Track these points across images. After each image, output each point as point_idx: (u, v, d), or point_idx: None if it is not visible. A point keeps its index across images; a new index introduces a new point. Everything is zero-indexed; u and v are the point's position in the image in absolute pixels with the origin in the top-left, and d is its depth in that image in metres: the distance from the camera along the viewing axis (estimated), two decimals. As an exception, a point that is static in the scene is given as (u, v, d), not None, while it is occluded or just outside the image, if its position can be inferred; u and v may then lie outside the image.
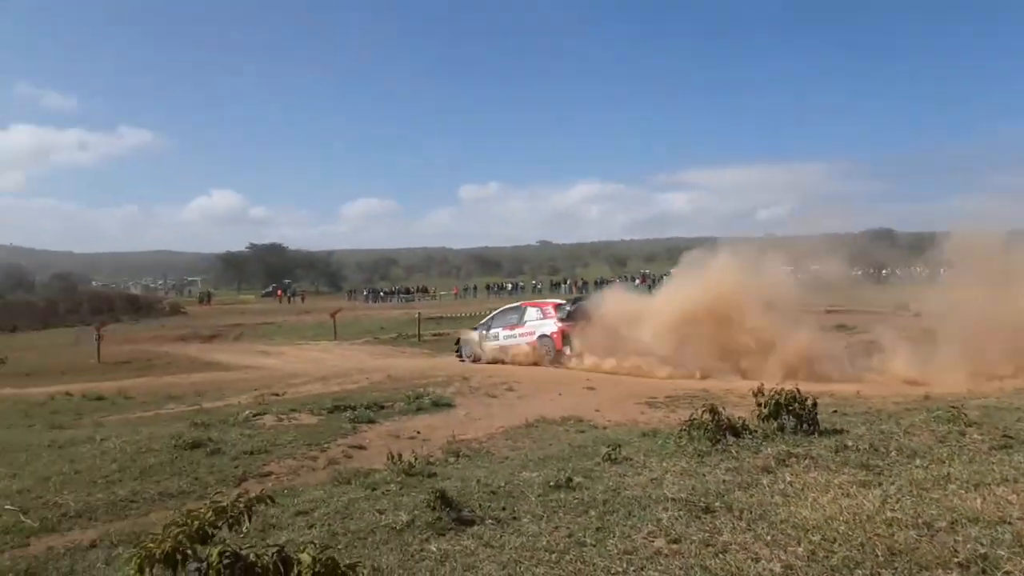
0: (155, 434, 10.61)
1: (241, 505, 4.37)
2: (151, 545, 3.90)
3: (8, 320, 53.13)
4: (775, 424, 9.17)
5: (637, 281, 62.41)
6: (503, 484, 7.30)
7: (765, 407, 9.40)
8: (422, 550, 5.50)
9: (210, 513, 4.20)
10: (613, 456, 8.18)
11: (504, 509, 6.46)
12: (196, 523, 4.10)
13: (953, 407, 9.69)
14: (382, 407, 13.51)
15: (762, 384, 9.66)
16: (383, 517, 6.36)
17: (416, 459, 8.31)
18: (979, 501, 5.87)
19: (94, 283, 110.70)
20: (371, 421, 12.08)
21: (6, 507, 7.25)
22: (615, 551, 5.26)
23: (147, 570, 3.97)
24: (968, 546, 4.89)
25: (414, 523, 6.08)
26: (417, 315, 35.90)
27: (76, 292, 73.36)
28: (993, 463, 7.06)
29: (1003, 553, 4.75)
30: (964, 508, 5.70)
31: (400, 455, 8.30)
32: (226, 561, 4.07)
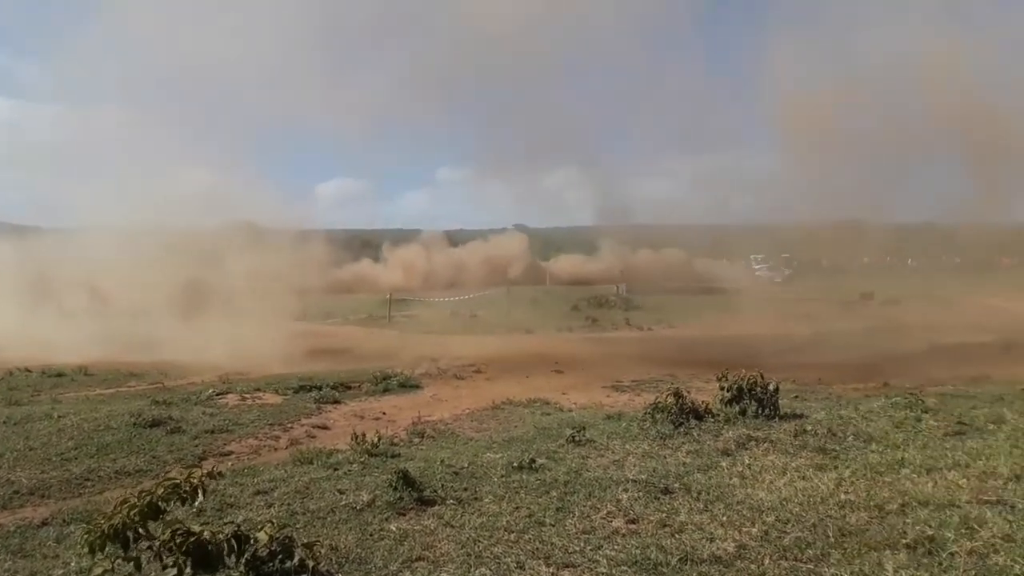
0: (114, 412, 10.44)
1: (194, 481, 4.32)
2: (100, 522, 3.85)
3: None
4: (737, 408, 9.29)
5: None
6: (466, 465, 7.31)
7: (728, 391, 9.52)
8: (382, 529, 5.50)
9: (162, 490, 4.15)
10: (577, 438, 8.22)
11: (466, 490, 6.48)
12: (147, 499, 4.06)
13: (911, 394, 9.90)
14: (348, 387, 13.46)
15: (727, 369, 9.76)
16: (344, 497, 6.34)
17: (380, 439, 8.29)
18: (930, 485, 6.01)
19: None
20: (336, 401, 12.02)
21: (-44, 484, 7.10)
22: (573, 530, 5.30)
23: (98, 549, 3.92)
24: (917, 528, 5.01)
25: (375, 503, 6.07)
26: (388, 296, 35.60)
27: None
28: (946, 448, 7.21)
29: (950, 535, 4.86)
30: (915, 492, 5.83)
31: (364, 435, 8.27)
32: (179, 539, 4.04)
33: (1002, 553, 4.57)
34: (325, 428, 10.15)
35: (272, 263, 24.26)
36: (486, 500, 6.14)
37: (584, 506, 5.87)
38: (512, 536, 5.24)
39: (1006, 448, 7.11)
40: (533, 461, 7.20)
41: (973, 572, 4.28)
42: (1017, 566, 4.38)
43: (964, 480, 6.10)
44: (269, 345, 18.99)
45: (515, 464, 7.14)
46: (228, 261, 23.55)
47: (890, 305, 29.71)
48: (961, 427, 8.13)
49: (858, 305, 30.30)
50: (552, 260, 53.52)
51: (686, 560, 4.60)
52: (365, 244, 56.08)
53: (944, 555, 4.59)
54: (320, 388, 12.89)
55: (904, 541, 4.80)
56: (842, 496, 5.77)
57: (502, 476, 6.85)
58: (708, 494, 6.02)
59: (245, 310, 21.35)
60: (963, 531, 4.94)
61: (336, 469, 7.43)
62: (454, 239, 57.59)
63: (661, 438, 8.20)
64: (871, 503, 5.58)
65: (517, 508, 5.88)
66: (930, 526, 5.05)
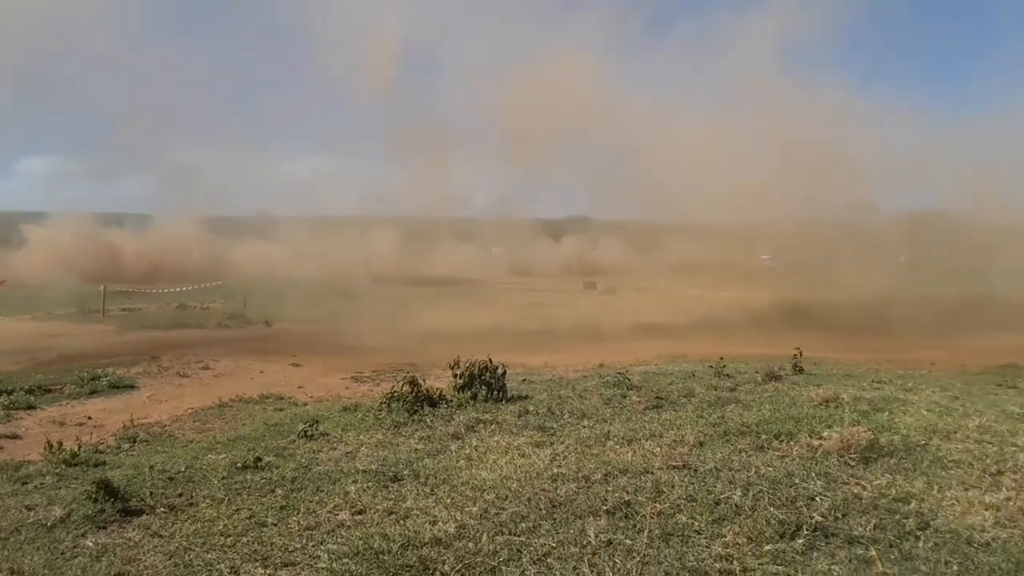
0: None
1: None
2: None
3: None
4: (469, 393, 9.64)
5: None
6: (183, 469, 6.81)
7: (460, 378, 9.84)
8: (76, 546, 4.93)
9: None
10: (309, 432, 8.01)
11: (181, 495, 6.04)
12: None
13: (620, 373, 10.96)
14: (48, 390, 11.88)
15: (459, 356, 10.07)
16: (32, 513, 5.62)
17: (81, 447, 7.43)
18: (630, 454, 6.69)
19: None
20: (31, 407, 10.56)
21: None
22: (297, 528, 5.15)
23: None
24: (616, 495, 5.55)
25: (70, 518, 5.43)
26: (103, 288, 31.96)
27: None
28: (646, 421, 8.10)
29: (643, 499, 5.45)
30: (617, 461, 6.46)
31: (60, 444, 7.36)
32: None
33: (685, 512, 5.21)
34: (15, 438, 8.88)
35: None
36: (202, 505, 5.77)
37: (311, 502, 5.73)
38: (229, 540, 4.96)
39: (693, 418, 8.14)
40: (259, 460, 6.90)
41: (658, 531, 4.83)
42: (696, 523, 5.01)
43: (658, 448, 6.87)
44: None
45: (239, 464, 6.79)
46: None
47: (608, 294, 32.72)
48: (659, 401, 9.17)
49: (582, 294, 32.99)
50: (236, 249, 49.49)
51: (408, 545, 4.67)
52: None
53: (638, 517, 5.12)
54: (10, 392, 11.22)
55: (605, 507, 5.29)
56: (555, 470, 6.23)
57: (223, 478, 6.48)
58: (435, 478, 6.18)
59: None
60: (653, 494, 5.56)
61: (25, 483, 6.56)
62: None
63: (396, 427, 8.27)
64: (580, 474, 6.08)
65: (237, 511, 5.59)
66: (627, 492, 5.61)
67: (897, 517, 5.05)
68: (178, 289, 33.77)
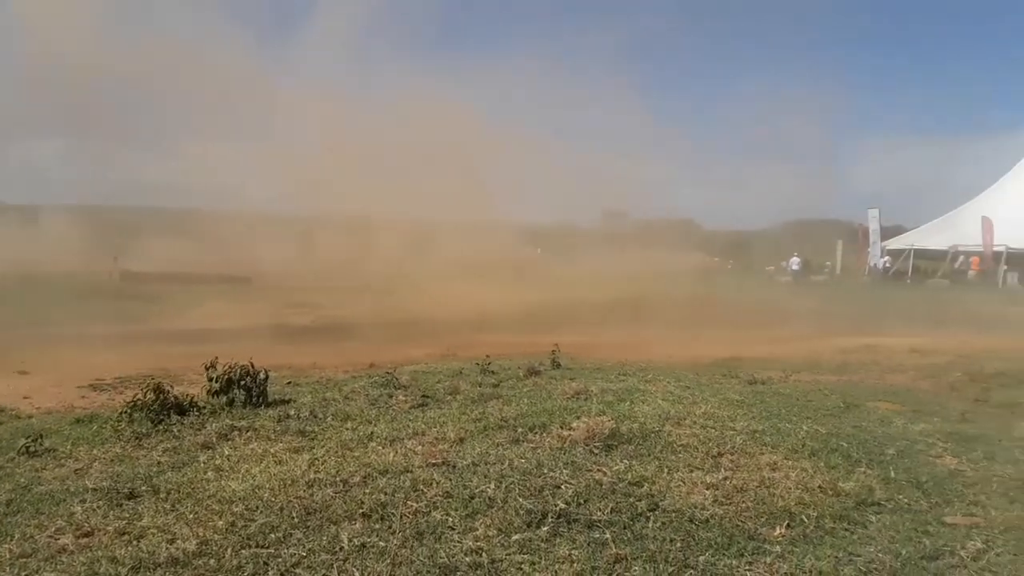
0: None
1: None
2: None
3: None
4: (225, 399, 9.08)
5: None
6: None
7: (216, 382, 9.24)
8: None
9: None
10: (32, 448, 7.10)
11: None
12: None
13: (389, 373, 10.92)
14: None
15: (216, 359, 9.46)
16: None
17: None
18: (392, 455, 6.69)
19: None
20: None
21: None
22: (9, 556, 4.55)
23: None
24: (373, 496, 5.52)
25: None
26: None
27: None
28: (410, 420, 8.14)
29: (399, 498, 5.48)
30: (378, 462, 6.43)
31: None
32: None
33: (440, 509, 5.31)
34: None
35: None
36: None
37: (28, 526, 5.08)
38: (-85, 579, 4.27)
39: (456, 415, 8.32)
40: (-34, 482, 6.00)
41: (412, 530, 4.88)
42: (450, 519, 5.12)
43: (420, 447, 6.93)
44: None
45: (-61, 489, 5.86)
46: None
47: (385, 295, 32.49)
48: (425, 399, 9.27)
49: (356, 293, 32.43)
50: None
51: (139, 568, 4.29)
52: None
53: (394, 519, 5.13)
54: None
55: (361, 511, 5.24)
56: (312, 475, 6.06)
57: (-81, 506, 5.56)
58: (179, 492, 5.75)
59: None
60: (411, 493, 5.61)
61: None
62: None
63: (137, 438, 7.58)
64: (338, 479, 5.97)
65: (-65, 542, 4.83)
66: (385, 493, 5.60)
67: (631, 500, 5.51)
68: None
